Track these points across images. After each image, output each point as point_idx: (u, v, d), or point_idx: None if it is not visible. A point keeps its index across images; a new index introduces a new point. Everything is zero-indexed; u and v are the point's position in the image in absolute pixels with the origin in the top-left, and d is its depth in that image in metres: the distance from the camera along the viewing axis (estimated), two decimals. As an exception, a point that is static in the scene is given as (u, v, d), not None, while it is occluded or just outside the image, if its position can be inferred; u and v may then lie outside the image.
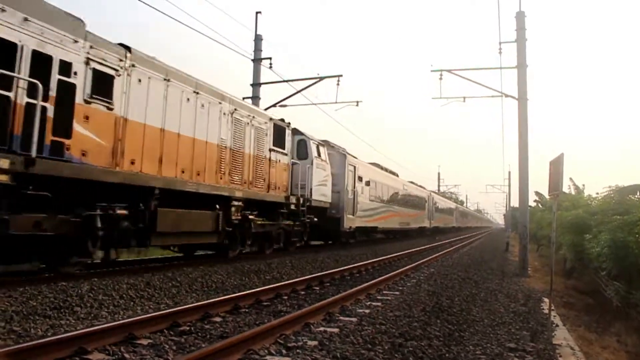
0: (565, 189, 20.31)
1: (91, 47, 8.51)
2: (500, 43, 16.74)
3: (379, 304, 8.40)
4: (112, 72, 8.96)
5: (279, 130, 15.06)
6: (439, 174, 77.13)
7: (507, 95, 17.15)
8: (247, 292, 8.16)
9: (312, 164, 16.89)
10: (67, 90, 8.03)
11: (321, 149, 18.05)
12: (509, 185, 55.51)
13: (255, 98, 19.46)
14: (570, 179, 22.73)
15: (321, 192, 17.84)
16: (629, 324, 8.73)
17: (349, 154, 20.73)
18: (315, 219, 17.30)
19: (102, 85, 8.72)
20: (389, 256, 17.15)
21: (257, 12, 19.79)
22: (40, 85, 7.28)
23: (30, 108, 7.27)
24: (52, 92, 7.75)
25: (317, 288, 9.92)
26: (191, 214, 10.99)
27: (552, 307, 8.34)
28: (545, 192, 24.72)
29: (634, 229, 9.48)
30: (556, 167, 7.63)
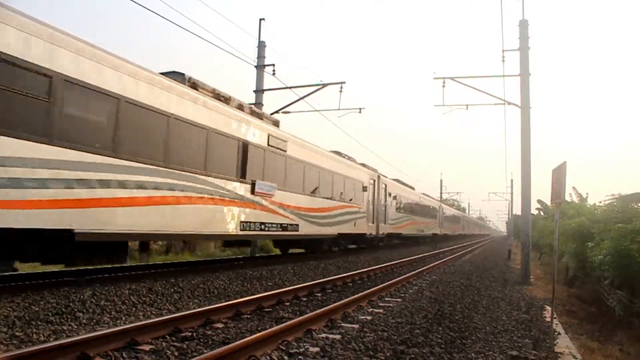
0: (567, 197, 20.28)
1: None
2: (503, 51, 16.77)
3: (380, 310, 8.39)
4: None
5: None
6: (441, 181, 76.95)
7: (509, 103, 17.19)
8: (249, 298, 8.17)
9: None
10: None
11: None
12: (512, 193, 55.61)
13: (258, 104, 19.51)
14: (574, 187, 22.67)
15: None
16: (631, 333, 8.68)
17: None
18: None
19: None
20: (391, 263, 17.13)
21: (260, 19, 19.91)
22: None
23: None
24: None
25: (319, 294, 9.91)
26: None
27: (554, 315, 8.32)
28: (547, 200, 24.72)
29: (637, 237, 9.45)
30: (558, 176, 7.63)
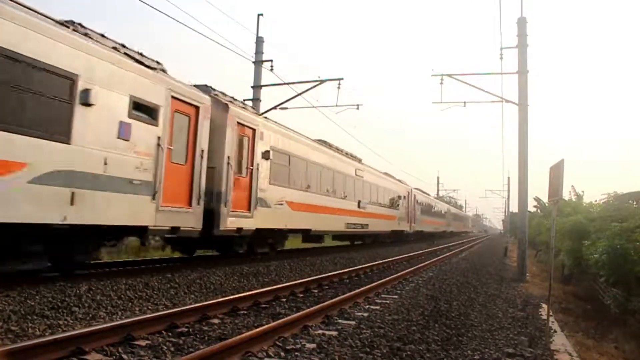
0: (565, 195, 20.32)
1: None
2: (501, 48, 16.76)
3: (377, 307, 8.39)
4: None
5: None
6: (438, 178, 77.27)
7: (507, 101, 17.17)
8: (246, 294, 8.16)
9: None
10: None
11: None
12: (508, 191, 55.64)
13: (255, 100, 19.46)
14: (572, 186, 22.73)
15: None
16: (627, 331, 8.72)
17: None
18: None
19: None
20: (387, 260, 17.15)
21: (258, 15, 19.81)
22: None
23: None
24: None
25: (316, 291, 9.91)
26: None
27: (550, 313, 8.33)
28: (544, 198, 24.78)
29: (632, 236, 9.48)
30: (556, 173, 7.62)
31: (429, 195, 48.93)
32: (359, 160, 23.82)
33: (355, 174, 22.73)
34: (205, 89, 12.13)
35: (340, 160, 20.79)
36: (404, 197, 32.98)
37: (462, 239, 54.86)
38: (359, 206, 22.56)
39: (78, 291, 7.60)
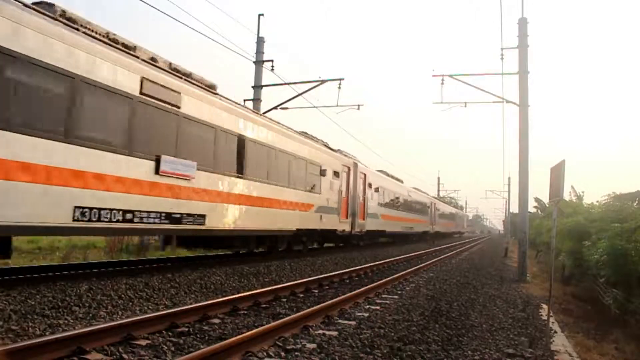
0: (566, 196, 20.30)
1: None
2: (502, 49, 16.73)
3: (377, 307, 8.39)
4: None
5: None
6: (438, 178, 77.20)
7: (508, 101, 17.19)
8: (246, 294, 8.15)
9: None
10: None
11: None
12: (509, 191, 55.59)
13: (256, 100, 19.46)
14: (572, 186, 22.74)
15: None
16: (627, 332, 8.70)
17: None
18: None
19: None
20: (388, 260, 17.15)
21: (259, 15, 19.79)
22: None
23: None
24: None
25: (316, 291, 9.91)
26: None
27: (551, 314, 8.32)
28: (545, 199, 24.81)
29: (632, 237, 9.48)
30: (557, 174, 7.61)
31: (399, 181, 33.39)
32: (211, 88, 12.23)
33: (149, 96, 9.76)
34: None
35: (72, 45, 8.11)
36: (336, 173, 20.22)
37: (462, 240, 54.82)
38: (157, 171, 9.93)
39: (78, 291, 7.61)
